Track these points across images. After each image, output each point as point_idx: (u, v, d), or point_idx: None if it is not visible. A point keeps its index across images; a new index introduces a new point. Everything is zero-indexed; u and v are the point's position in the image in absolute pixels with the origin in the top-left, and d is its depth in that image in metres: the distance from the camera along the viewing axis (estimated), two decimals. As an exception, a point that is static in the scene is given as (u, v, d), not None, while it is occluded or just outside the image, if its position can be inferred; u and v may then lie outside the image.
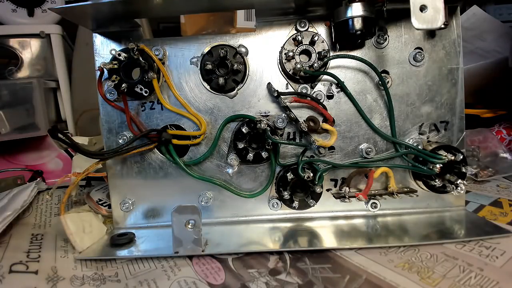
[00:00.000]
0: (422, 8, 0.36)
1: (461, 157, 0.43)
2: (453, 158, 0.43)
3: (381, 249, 0.41)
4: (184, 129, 0.47)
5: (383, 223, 0.46)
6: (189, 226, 0.40)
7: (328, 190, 0.48)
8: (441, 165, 0.43)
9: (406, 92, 0.46)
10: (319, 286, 0.35)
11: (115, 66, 0.44)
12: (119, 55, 0.44)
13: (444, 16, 0.36)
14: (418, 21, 0.36)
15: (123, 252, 0.42)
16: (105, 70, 0.44)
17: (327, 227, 0.46)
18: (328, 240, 0.43)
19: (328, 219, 0.48)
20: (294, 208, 0.46)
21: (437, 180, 0.44)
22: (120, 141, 0.47)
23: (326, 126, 0.45)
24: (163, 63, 0.46)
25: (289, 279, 0.37)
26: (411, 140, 0.46)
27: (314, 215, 0.48)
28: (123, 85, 0.44)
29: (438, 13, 0.36)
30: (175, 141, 0.46)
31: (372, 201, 0.47)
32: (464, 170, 0.44)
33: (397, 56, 0.46)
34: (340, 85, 0.45)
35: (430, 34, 0.46)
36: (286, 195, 0.45)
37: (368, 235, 0.43)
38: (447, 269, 0.36)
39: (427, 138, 0.46)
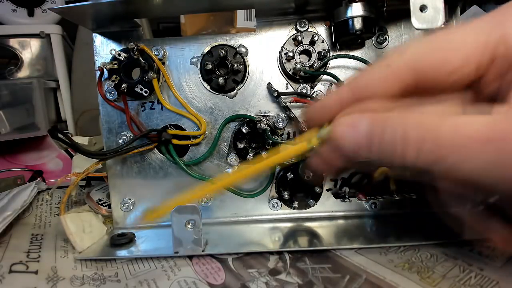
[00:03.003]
0: (422, 8, 0.36)
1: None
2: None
3: (381, 249, 0.41)
4: (184, 129, 0.47)
5: (383, 223, 0.46)
6: (189, 226, 0.40)
7: (328, 190, 0.48)
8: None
9: (406, 92, 0.46)
10: (319, 286, 0.36)
11: (115, 66, 0.44)
12: (119, 55, 0.44)
13: (444, 16, 0.36)
14: (418, 21, 0.36)
15: (123, 252, 0.42)
16: (105, 70, 0.44)
17: (327, 227, 0.46)
18: (328, 240, 0.43)
19: (328, 219, 0.48)
20: (294, 208, 0.46)
21: (437, 180, 0.44)
22: (120, 141, 0.47)
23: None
24: (163, 63, 0.46)
25: (289, 279, 0.37)
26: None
27: (314, 215, 0.48)
28: (123, 85, 0.44)
29: (438, 13, 0.36)
30: (175, 141, 0.46)
31: (372, 201, 0.47)
32: None
33: (397, 56, 0.46)
34: (340, 85, 0.45)
35: (430, 34, 0.46)
36: (286, 195, 0.45)
37: (368, 235, 0.43)
38: (447, 269, 0.36)
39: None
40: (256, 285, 0.36)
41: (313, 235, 0.44)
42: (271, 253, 0.41)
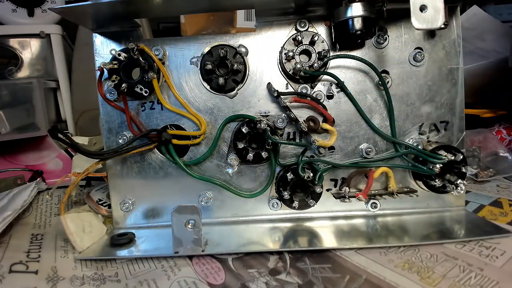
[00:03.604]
0: (422, 8, 0.36)
1: (461, 157, 0.43)
2: (453, 158, 0.43)
3: (381, 249, 0.41)
4: (184, 129, 0.47)
5: (383, 223, 0.46)
6: (189, 226, 0.40)
7: (328, 190, 0.48)
8: (441, 165, 0.43)
9: (406, 92, 0.46)
10: (319, 286, 0.36)
11: (115, 66, 0.44)
12: (119, 55, 0.43)
13: (444, 16, 0.36)
14: (418, 21, 0.36)
15: (123, 252, 0.42)
16: (105, 70, 0.44)
17: (327, 227, 0.46)
18: (328, 240, 0.43)
19: (328, 219, 0.47)
20: (294, 208, 0.46)
21: (437, 180, 0.44)
22: (120, 141, 0.47)
23: (326, 126, 0.45)
24: (163, 63, 0.46)
25: (289, 279, 0.37)
26: (411, 140, 0.46)
27: (314, 215, 0.48)
28: (123, 85, 0.44)
29: (438, 13, 0.36)
30: (175, 141, 0.46)
31: (372, 201, 0.47)
32: (464, 170, 0.44)
33: (397, 56, 0.46)
34: (340, 85, 0.45)
35: (430, 34, 0.46)
36: (286, 195, 0.45)
37: (368, 235, 0.43)
38: (447, 269, 0.36)
39: (427, 138, 0.46)
40: (256, 285, 0.36)
41: (313, 235, 0.44)
42: (271, 253, 0.41)
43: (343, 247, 0.41)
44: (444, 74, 0.46)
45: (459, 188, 0.44)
